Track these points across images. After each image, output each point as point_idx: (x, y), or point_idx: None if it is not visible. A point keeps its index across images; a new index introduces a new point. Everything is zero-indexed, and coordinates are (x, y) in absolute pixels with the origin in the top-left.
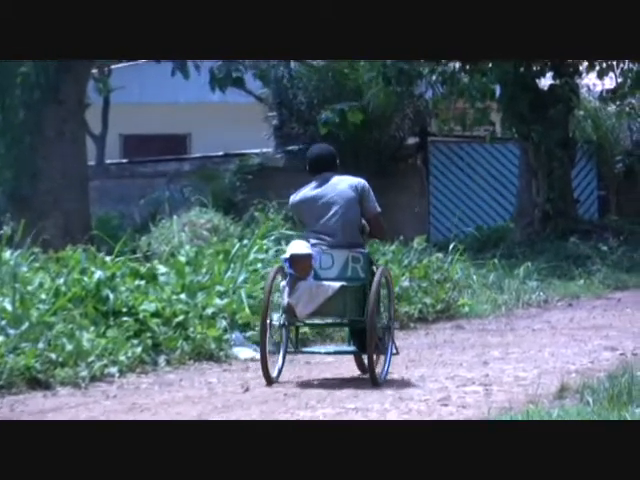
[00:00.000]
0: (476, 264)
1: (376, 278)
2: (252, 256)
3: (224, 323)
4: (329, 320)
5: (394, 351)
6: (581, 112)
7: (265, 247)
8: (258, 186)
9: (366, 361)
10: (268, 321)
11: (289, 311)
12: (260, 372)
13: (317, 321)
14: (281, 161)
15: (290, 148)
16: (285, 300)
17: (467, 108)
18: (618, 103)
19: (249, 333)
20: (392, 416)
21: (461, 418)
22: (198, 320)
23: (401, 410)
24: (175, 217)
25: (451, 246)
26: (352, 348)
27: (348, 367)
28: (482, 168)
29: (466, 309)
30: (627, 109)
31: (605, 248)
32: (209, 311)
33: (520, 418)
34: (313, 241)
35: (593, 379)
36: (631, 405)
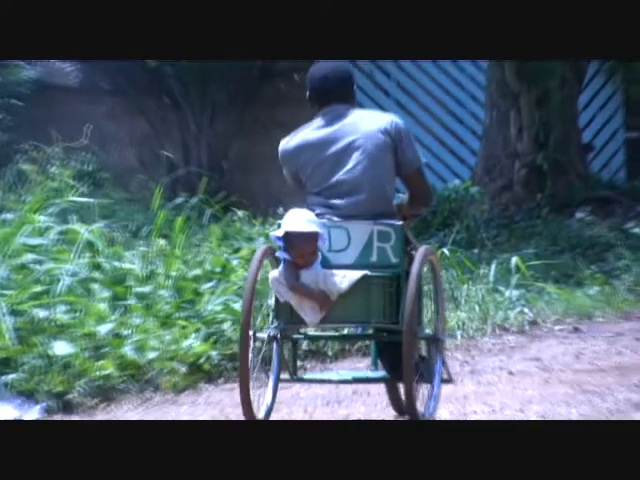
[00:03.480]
0: None
1: (415, 265)
2: (20, 241)
3: None
4: (345, 329)
5: (445, 376)
6: None
7: (43, 226)
8: (32, 119)
9: (402, 391)
10: (251, 332)
11: (284, 316)
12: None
13: (326, 331)
14: (73, 77)
15: None
16: (279, 299)
17: None
18: None
19: (11, 376)
20: None
21: None
22: None
23: None
24: None
25: None
26: (380, 374)
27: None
28: (422, 91)
29: None
30: None
31: (638, 231)
32: None
33: None
34: (319, 209)
35: None
36: None
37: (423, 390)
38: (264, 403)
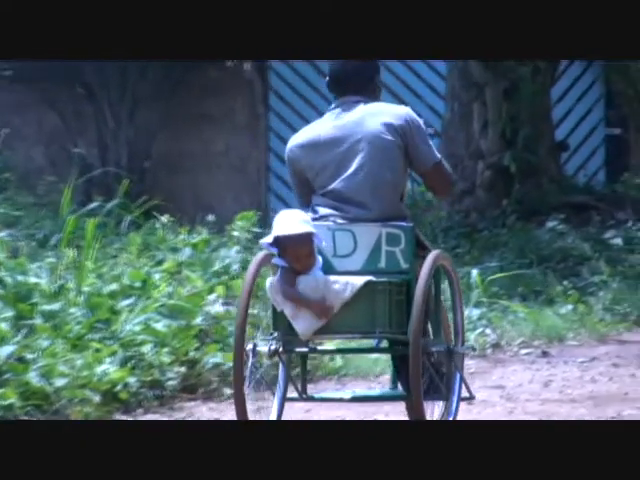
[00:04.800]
0: None
1: (423, 271)
2: None
3: None
4: (350, 341)
5: (465, 394)
6: None
7: None
8: None
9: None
10: (250, 346)
11: (282, 327)
12: None
13: (329, 344)
14: None
15: None
16: (277, 308)
17: None
18: None
19: None
20: None
21: None
22: None
23: None
24: None
25: None
26: (394, 392)
27: None
28: None
29: (339, 363)
30: None
31: (618, 241)
32: None
33: None
34: (323, 211)
35: None
36: None
37: (439, 408)
38: None
